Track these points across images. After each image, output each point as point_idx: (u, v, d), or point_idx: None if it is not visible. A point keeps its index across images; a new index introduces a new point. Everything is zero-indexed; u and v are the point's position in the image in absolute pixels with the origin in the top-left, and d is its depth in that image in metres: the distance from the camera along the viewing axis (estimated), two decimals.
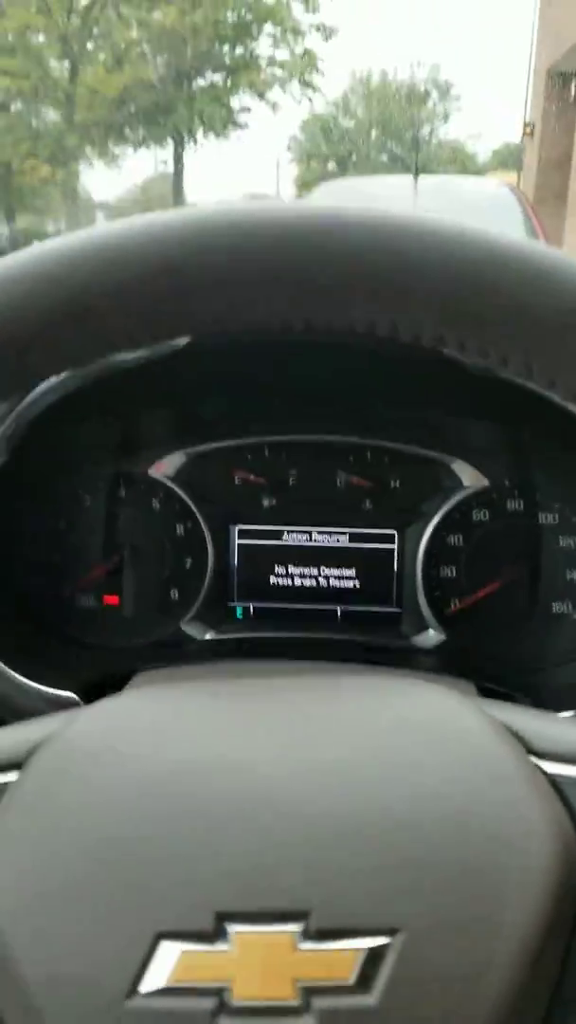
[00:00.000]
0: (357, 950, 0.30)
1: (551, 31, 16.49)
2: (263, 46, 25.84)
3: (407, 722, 0.38)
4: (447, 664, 0.83)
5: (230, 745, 0.36)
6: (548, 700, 0.72)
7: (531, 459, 0.83)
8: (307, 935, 0.30)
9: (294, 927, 0.30)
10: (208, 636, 0.85)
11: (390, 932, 0.31)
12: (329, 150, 34.54)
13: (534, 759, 0.36)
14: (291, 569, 0.86)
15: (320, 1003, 0.30)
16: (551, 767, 0.36)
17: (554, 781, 0.35)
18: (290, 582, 0.86)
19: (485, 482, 0.83)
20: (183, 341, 0.70)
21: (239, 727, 0.38)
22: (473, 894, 0.31)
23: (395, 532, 0.85)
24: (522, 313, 0.35)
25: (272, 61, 25.69)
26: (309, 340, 0.74)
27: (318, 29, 25.03)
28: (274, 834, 0.32)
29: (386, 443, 0.84)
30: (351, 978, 0.30)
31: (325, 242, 0.35)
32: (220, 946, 0.30)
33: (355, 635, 0.85)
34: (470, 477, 0.83)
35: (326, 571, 0.86)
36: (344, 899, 0.31)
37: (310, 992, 0.30)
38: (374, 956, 0.30)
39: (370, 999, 0.30)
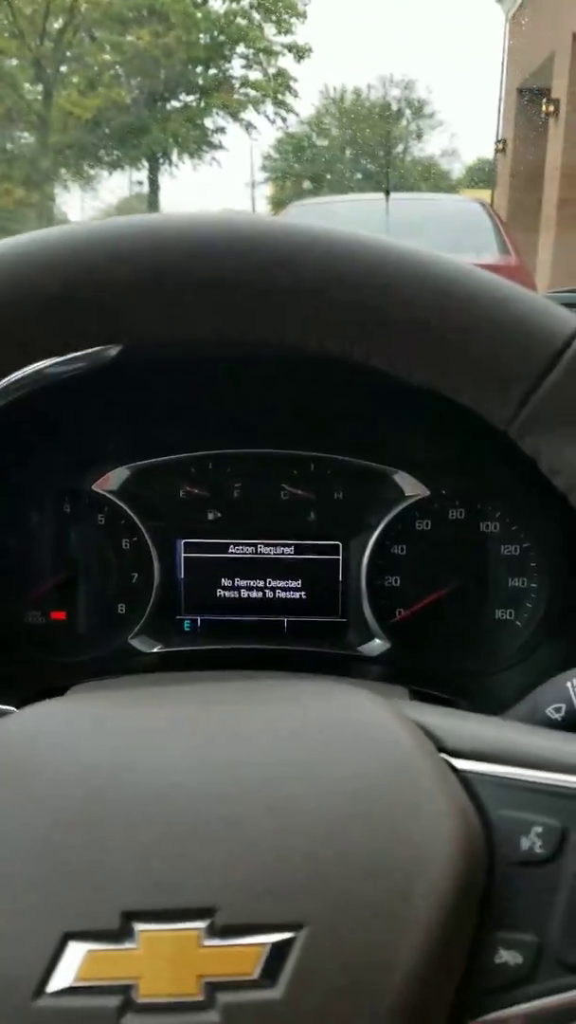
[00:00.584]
0: (262, 945, 0.31)
1: (521, 49, 16.72)
2: (236, 67, 26.07)
3: (318, 722, 0.38)
4: (393, 672, 0.83)
5: (141, 747, 0.37)
6: (490, 705, 0.73)
7: (472, 469, 0.84)
8: (212, 932, 0.31)
9: (199, 924, 0.31)
10: (156, 649, 0.85)
11: (295, 927, 0.31)
12: (303, 169, 34.78)
13: (444, 756, 0.37)
14: (237, 581, 0.87)
15: (224, 998, 0.30)
16: (461, 764, 0.36)
17: (463, 777, 0.36)
18: (237, 594, 0.87)
19: (427, 492, 0.84)
20: (114, 351, 0.71)
21: (151, 729, 0.38)
22: (379, 888, 0.32)
23: (339, 543, 0.86)
24: (421, 323, 0.36)
25: (245, 82, 25.91)
26: (251, 354, 0.76)
27: (290, 49, 25.27)
28: (180, 833, 0.33)
29: (329, 455, 0.85)
30: (255, 973, 0.30)
31: (242, 254, 0.36)
32: (126, 945, 0.31)
33: (302, 646, 0.86)
34: (412, 487, 0.84)
35: (272, 583, 0.87)
36: (249, 896, 0.31)
37: (214, 987, 0.30)
38: (279, 950, 0.31)
39: (274, 992, 0.30)
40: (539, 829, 0.34)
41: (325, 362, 0.72)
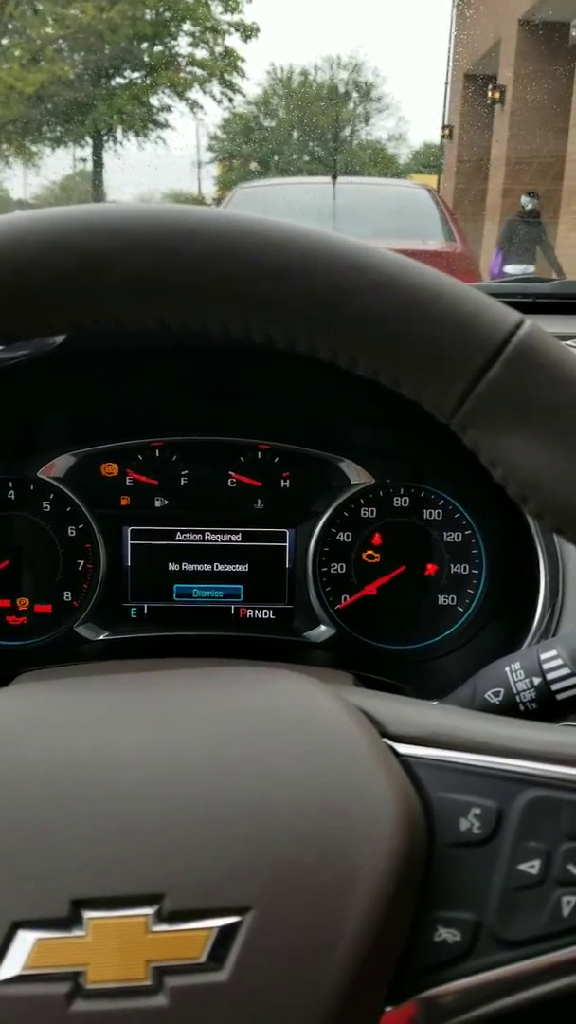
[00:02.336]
0: (209, 929, 0.31)
1: (468, 35, 16.78)
2: (182, 45, 25.70)
3: (262, 708, 0.39)
4: (338, 658, 0.85)
5: (86, 736, 0.37)
6: (433, 688, 0.74)
7: (416, 458, 0.86)
8: (160, 918, 0.31)
9: (147, 910, 0.31)
10: (102, 637, 0.85)
11: (241, 911, 0.31)
12: (251, 150, 34.52)
13: (387, 741, 0.37)
14: (184, 568, 0.87)
15: (172, 982, 0.31)
16: (403, 748, 0.37)
17: (405, 762, 0.37)
18: (183, 582, 0.87)
19: (372, 480, 0.85)
20: (59, 339, 0.71)
21: (95, 718, 0.38)
22: (322, 870, 0.32)
23: (286, 531, 0.87)
24: (364, 315, 0.37)
25: (192, 60, 25.57)
26: (198, 342, 0.76)
27: (237, 28, 24.99)
28: (128, 820, 0.33)
29: (276, 443, 0.86)
30: (202, 956, 0.31)
31: (186, 245, 0.36)
32: (75, 932, 0.31)
33: (249, 632, 0.87)
34: (358, 475, 0.85)
35: (219, 569, 0.87)
36: (196, 881, 0.32)
37: (162, 972, 0.31)
38: (225, 934, 0.31)
39: (221, 975, 0.31)
40: (477, 811, 0.36)
41: (272, 351, 0.72)
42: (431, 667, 0.84)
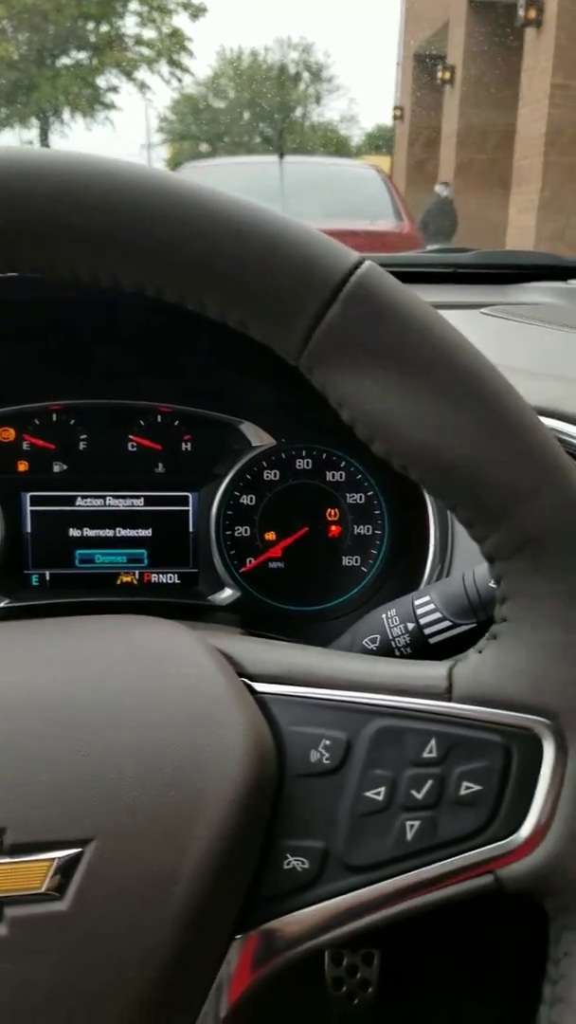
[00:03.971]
0: (50, 860, 0.32)
1: (418, 15, 16.77)
2: (129, 24, 25.42)
3: (120, 648, 0.39)
4: (244, 620, 0.84)
5: None
6: (327, 645, 0.74)
7: (317, 419, 0.85)
8: (1, 851, 0.32)
9: None
10: (3, 604, 0.84)
11: (83, 842, 0.32)
12: (201, 131, 34.23)
13: (244, 680, 0.38)
14: (86, 533, 0.86)
15: (12, 912, 0.31)
16: (259, 686, 0.38)
17: (260, 699, 0.37)
18: (85, 548, 0.86)
19: (273, 442, 0.85)
20: None
21: None
22: (169, 801, 0.33)
23: (189, 494, 0.86)
24: (207, 258, 0.36)
25: (139, 40, 25.27)
26: (90, 301, 0.74)
27: (185, 8, 24.74)
28: None
29: (175, 406, 0.85)
30: (43, 887, 0.32)
31: (25, 186, 0.35)
32: None
33: (153, 597, 0.86)
34: (258, 437, 0.85)
35: (121, 534, 0.86)
36: (38, 815, 0.32)
37: (2, 903, 0.31)
38: (66, 866, 0.32)
39: (61, 905, 0.32)
40: (327, 742, 0.37)
41: (169, 309, 0.71)
42: (334, 626, 0.84)
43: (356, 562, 0.86)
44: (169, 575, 0.87)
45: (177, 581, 0.87)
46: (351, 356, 0.37)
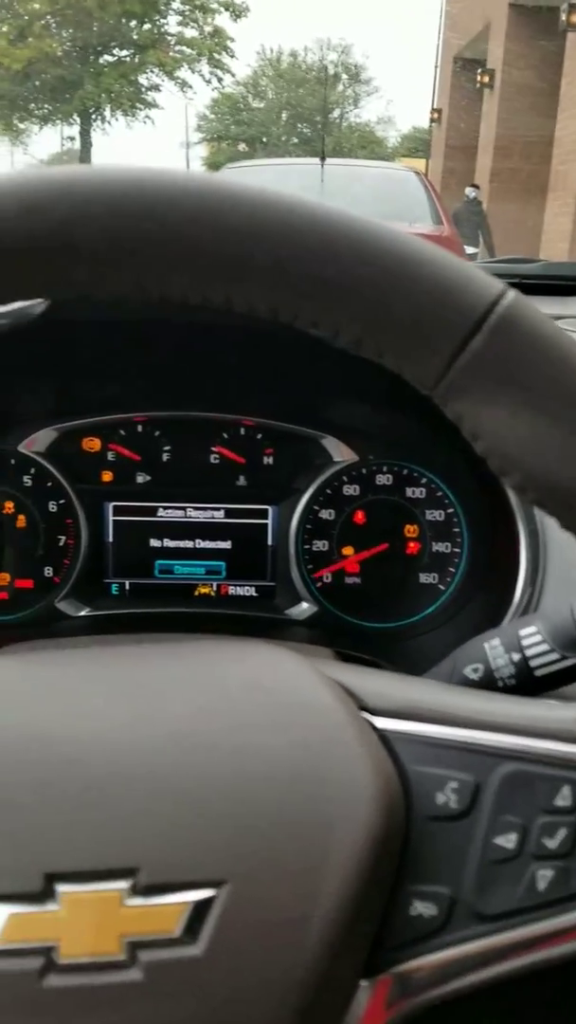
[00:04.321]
0: (183, 903, 0.31)
1: (458, 18, 16.69)
2: (171, 23, 25.48)
3: (239, 680, 0.38)
4: (320, 635, 0.85)
5: (60, 708, 0.37)
6: (413, 666, 0.74)
7: (400, 435, 0.85)
8: (135, 891, 0.31)
9: (121, 884, 0.31)
10: (83, 613, 0.85)
11: (216, 884, 0.31)
12: (239, 131, 34.27)
13: (364, 715, 0.37)
14: (166, 545, 0.87)
15: (146, 956, 0.30)
16: (380, 722, 0.37)
17: (382, 735, 0.36)
18: (165, 558, 0.87)
19: (355, 457, 0.85)
20: (40, 309, 0.70)
21: (70, 690, 0.38)
22: (298, 845, 0.32)
23: (269, 507, 0.87)
24: (347, 285, 0.36)
25: (181, 39, 25.35)
26: (183, 315, 0.75)
27: (227, 8, 24.77)
28: (102, 794, 0.33)
29: (259, 419, 0.85)
30: (176, 931, 0.31)
31: (152, 209, 0.35)
32: (48, 906, 0.31)
33: (230, 609, 0.87)
34: (341, 453, 0.85)
35: (201, 546, 0.87)
36: (171, 854, 0.32)
37: (136, 946, 0.30)
38: (200, 908, 0.31)
39: (195, 950, 0.30)
40: (454, 784, 0.35)
41: (257, 325, 0.72)
42: (412, 645, 0.84)
43: (434, 580, 0.86)
44: (246, 588, 0.88)
45: (254, 594, 0.88)
46: (491, 387, 0.36)
